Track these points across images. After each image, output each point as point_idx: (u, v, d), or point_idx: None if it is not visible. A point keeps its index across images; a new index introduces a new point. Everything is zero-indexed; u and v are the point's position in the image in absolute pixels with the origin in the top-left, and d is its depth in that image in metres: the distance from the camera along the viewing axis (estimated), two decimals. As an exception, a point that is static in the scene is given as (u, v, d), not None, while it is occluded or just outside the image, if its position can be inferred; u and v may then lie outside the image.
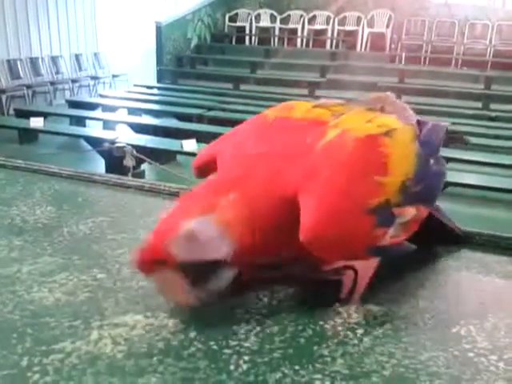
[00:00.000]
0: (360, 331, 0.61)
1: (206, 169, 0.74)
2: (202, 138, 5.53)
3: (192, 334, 0.59)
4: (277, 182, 0.60)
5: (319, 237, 0.57)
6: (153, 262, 0.57)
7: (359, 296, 0.67)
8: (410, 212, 0.66)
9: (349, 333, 0.61)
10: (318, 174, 0.60)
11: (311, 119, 0.69)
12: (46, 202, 0.97)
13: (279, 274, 0.68)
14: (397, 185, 0.63)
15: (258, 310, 0.64)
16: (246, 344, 0.58)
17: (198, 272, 0.57)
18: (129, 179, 1.06)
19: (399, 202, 0.64)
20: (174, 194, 1.02)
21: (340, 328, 0.62)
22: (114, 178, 1.07)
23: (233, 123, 4.78)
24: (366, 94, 0.75)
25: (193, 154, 5.08)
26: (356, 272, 0.68)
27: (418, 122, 0.73)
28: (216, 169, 0.70)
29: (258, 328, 0.61)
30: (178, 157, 5.60)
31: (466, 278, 0.75)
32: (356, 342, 0.59)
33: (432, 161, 0.70)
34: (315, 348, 0.58)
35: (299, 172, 0.61)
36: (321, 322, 0.63)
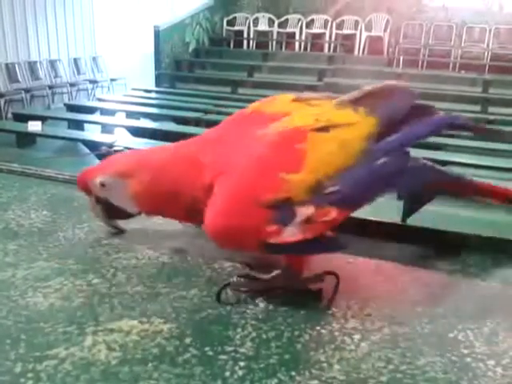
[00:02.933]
0: (357, 336, 0.60)
1: None
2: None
3: (187, 340, 0.58)
4: (196, 162, 0.69)
5: (214, 227, 0.62)
6: (81, 188, 0.82)
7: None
8: (314, 212, 0.61)
9: (346, 338, 0.60)
10: (233, 167, 0.65)
11: (282, 113, 0.70)
12: (42, 206, 0.96)
13: (263, 287, 0.68)
14: (306, 183, 0.61)
15: (254, 315, 0.64)
16: (242, 350, 0.57)
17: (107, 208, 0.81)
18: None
19: (304, 201, 0.61)
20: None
21: (337, 333, 0.61)
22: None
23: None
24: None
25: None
26: (337, 277, 0.68)
27: (414, 114, 0.68)
28: None
29: (254, 333, 0.60)
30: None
31: (463, 281, 0.74)
32: (353, 347, 0.58)
33: (387, 159, 0.63)
34: (312, 354, 0.57)
35: (220, 159, 0.67)
36: (318, 327, 0.62)
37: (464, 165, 4.49)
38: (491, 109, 6.64)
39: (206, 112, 6.83)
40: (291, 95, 0.75)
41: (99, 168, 0.80)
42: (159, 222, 0.90)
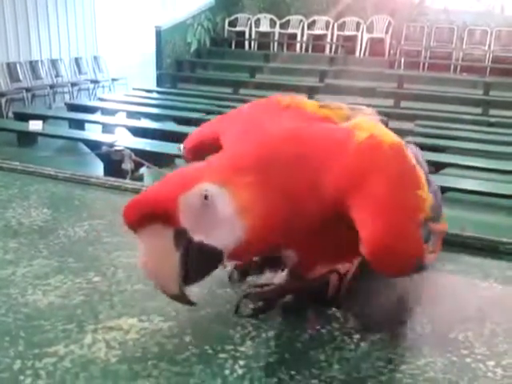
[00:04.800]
0: (357, 336, 0.60)
1: (199, 150, 0.72)
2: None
3: (187, 338, 0.58)
4: (312, 177, 0.55)
5: (382, 249, 0.54)
6: (148, 214, 0.50)
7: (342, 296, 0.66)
8: (438, 228, 0.64)
9: (346, 338, 0.60)
10: (365, 184, 0.55)
11: (321, 116, 0.68)
12: (42, 204, 0.96)
13: (278, 293, 0.67)
14: (429, 198, 0.60)
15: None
16: (242, 348, 0.57)
17: (193, 251, 0.51)
18: (126, 182, 1.06)
19: (432, 217, 0.61)
20: (171, 197, 1.01)
21: (337, 333, 0.61)
22: (110, 180, 1.07)
23: (232, 127, 4.67)
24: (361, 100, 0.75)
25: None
26: (340, 275, 0.67)
27: None
28: (211, 151, 0.65)
29: (254, 333, 0.60)
30: (177, 160, 5.59)
31: (464, 282, 0.74)
32: (353, 347, 0.58)
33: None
34: (312, 353, 0.57)
35: (340, 173, 0.56)
36: (317, 327, 0.62)
37: (465, 167, 4.50)
38: (492, 111, 6.64)
39: (207, 112, 6.83)
40: (315, 101, 0.72)
41: (178, 183, 0.52)
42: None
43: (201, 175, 0.52)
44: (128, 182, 1.06)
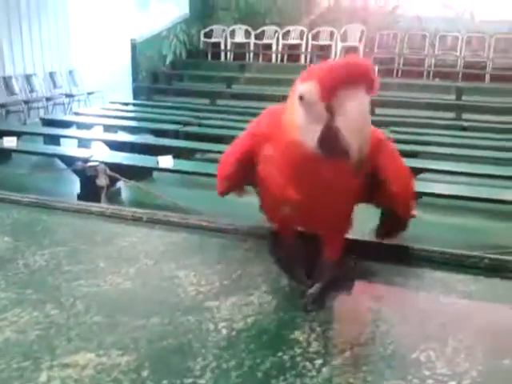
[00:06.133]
0: (319, 361, 0.60)
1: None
2: (179, 153, 5.50)
3: (145, 373, 0.57)
4: None
5: (408, 194, 0.76)
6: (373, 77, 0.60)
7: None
8: None
9: (307, 363, 0.59)
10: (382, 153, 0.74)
11: None
12: (3, 232, 0.94)
13: (325, 283, 0.73)
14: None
15: (215, 343, 0.63)
16: (201, 381, 0.56)
17: None
18: (91, 205, 1.04)
19: None
20: (137, 219, 0.99)
21: (299, 358, 0.60)
22: (75, 204, 1.05)
23: (209, 138, 4.72)
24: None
25: (169, 170, 5.05)
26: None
27: None
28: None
29: (215, 363, 0.59)
30: (155, 173, 5.55)
31: (427, 298, 0.74)
32: (314, 373, 0.58)
33: None
34: (273, 382, 0.56)
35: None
36: (280, 353, 0.61)
37: (440, 172, 4.56)
38: (465, 115, 6.75)
39: (184, 124, 6.81)
40: None
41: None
42: (124, 245, 0.89)
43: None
44: (94, 205, 1.04)
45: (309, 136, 0.60)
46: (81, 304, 0.70)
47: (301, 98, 0.60)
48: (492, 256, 0.82)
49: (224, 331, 0.65)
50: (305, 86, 0.59)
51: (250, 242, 0.92)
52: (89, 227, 0.97)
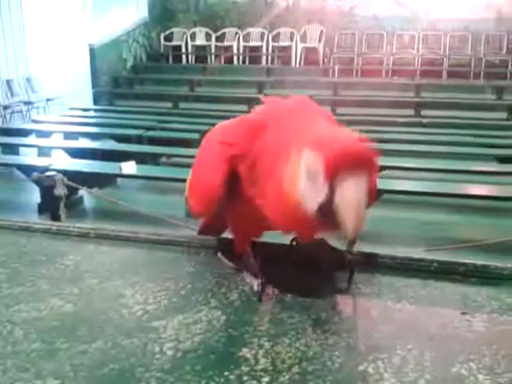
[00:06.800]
0: (266, 379, 0.58)
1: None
2: (143, 159, 5.42)
3: (82, 404, 0.54)
4: None
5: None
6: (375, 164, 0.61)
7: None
8: None
9: (254, 382, 0.58)
10: None
11: None
12: None
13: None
14: None
15: (159, 366, 0.60)
16: (142, 408, 0.54)
17: None
18: (35, 222, 1.00)
19: None
20: (83, 235, 0.96)
21: (246, 377, 0.59)
22: (19, 222, 1.01)
23: (173, 142, 4.65)
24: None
25: (133, 177, 4.97)
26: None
27: None
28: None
29: (158, 387, 0.57)
30: (119, 180, 5.45)
31: (377, 306, 0.74)
32: (260, 392, 0.56)
33: None
34: (217, 404, 0.54)
35: None
36: (226, 373, 0.59)
37: (401, 168, 4.63)
38: (424, 112, 6.90)
39: (147, 129, 6.72)
40: None
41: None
42: (68, 264, 0.86)
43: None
44: (37, 223, 1.00)
45: (309, 201, 0.62)
46: (19, 330, 0.67)
47: (307, 168, 0.62)
48: (441, 259, 0.83)
49: (169, 352, 0.63)
50: (311, 158, 0.61)
51: (202, 256, 0.90)
52: (32, 246, 0.93)
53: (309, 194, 0.61)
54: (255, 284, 0.77)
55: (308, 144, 0.62)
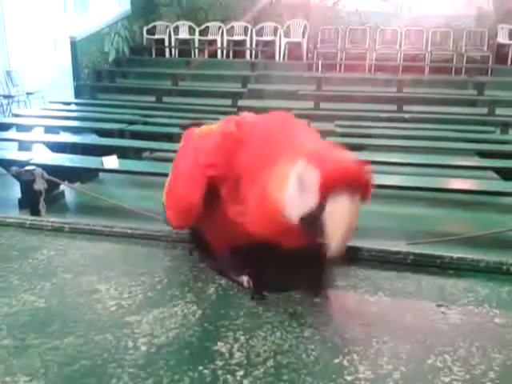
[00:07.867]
0: (240, 373, 0.58)
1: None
2: (125, 153, 5.36)
3: (51, 400, 0.53)
4: None
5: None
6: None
7: None
8: None
9: (228, 376, 0.57)
10: None
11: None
12: None
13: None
14: None
15: (133, 362, 0.59)
16: (113, 404, 0.53)
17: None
18: (8, 217, 0.98)
19: None
20: (58, 230, 0.94)
21: (220, 372, 0.58)
22: (-9, 216, 0.98)
23: (156, 137, 4.61)
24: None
25: (115, 171, 4.91)
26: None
27: None
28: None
29: (131, 383, 0.56)
30: (101, 174, 5.40)
31: (352, 298, 0.74)
32: (234, 386, 0.56)
33: None
34: (191, 399, 0.54)
35: None
36: (200, 367, 0.59)
37: (385, 163, 4.66)
38: (406, 107, 6.93)
39: (129, 123, 6.65)
40: None
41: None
42: (41, 258, 0.84)
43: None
44: (11, 217, 0.98)
45: (294, 208, 0.61)
46: (-14, 331, 0.65)
47: (299, 177, 0.61)
48: (417, 252, 0.83)
49: (143, 348, 0.62)
50: (307, 171, 0.60)
51: (178, 249, 0.89)
52: (4, 241, 0.91)
53: (295, 201, 0.61)
54: (245, 281, 0.75)
55: (304, 156, 0.61)
